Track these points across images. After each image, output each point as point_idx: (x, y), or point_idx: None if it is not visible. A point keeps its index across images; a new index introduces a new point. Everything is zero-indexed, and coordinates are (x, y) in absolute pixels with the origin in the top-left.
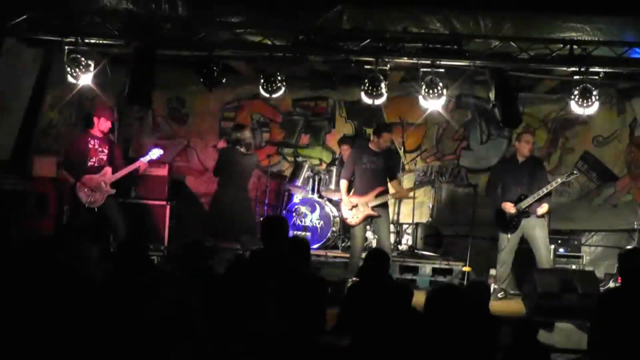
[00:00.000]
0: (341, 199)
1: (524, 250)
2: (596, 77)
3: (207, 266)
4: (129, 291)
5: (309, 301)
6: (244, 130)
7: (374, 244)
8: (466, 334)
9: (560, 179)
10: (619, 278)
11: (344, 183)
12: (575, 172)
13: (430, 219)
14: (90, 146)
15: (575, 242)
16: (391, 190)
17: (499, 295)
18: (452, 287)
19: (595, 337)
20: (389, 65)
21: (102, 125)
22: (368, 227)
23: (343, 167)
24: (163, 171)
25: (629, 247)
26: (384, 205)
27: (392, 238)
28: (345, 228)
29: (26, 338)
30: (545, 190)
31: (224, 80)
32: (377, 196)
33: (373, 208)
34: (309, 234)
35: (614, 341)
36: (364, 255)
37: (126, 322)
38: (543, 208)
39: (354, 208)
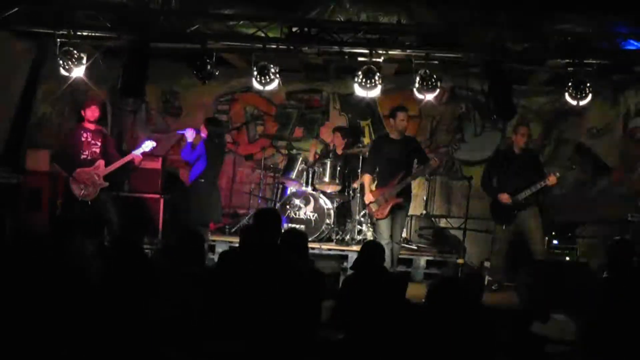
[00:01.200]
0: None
1: (519, 242)
2: (590, 69)
3: (202, 256)
4: (124, 286)
5: (306, 294)
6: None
7: (368, 237)
8: (460, 325)
9: (558, 173)
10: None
11: (366, 178)
12: (574, 166)
13: (424, 211)
14: (82, 139)
15: (570, 234)
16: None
17: (493, 287)
18: (453, 279)
19: (584, 327)
20: (382, 58)
21: (90, 115)
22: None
23: (365, 162)
24: (157, 164)
25: (616, 237)
26: (407, 193)
27: None
28: (340, 220)
29: (21, 334)
30: (543, 184)
31: (217, 73)
32: (399, 182)
33: (398, 195)
34: (303, 226)
35: (602, 331)
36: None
37: (122, 319)
38: (553, 179)
39: (378, 201)
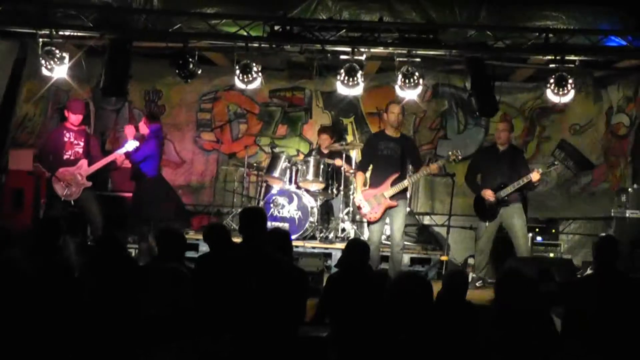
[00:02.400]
0: (353, 193)
1: (502, 239)
2: (572, 65)
3: (182, 256)
4: (108, 284)
5: (290, 292)
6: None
7: (352, 235)
8: (444, 322)
9: (541, 170)
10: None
11: (359, 175)
12: (556, 162)
13: (408, 209)
14: (65, 139)
15: (553, 231)
16: (415, 177)
17: (477, 284)
18: (413, 275)
19: (568, 324)
20: (365, 56)
21: (74, 116)
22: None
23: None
24: None
25: (602, 234)
26: (402, 194)
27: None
28: (323, 219)
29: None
30: (525, 180)
31: (199, 72)
32: (392, 184)
33: (391, 198)
34: (286, 225)
35: (586, 328)
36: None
37: (107, 317)
38: (536, 175)
39: (370, 202)
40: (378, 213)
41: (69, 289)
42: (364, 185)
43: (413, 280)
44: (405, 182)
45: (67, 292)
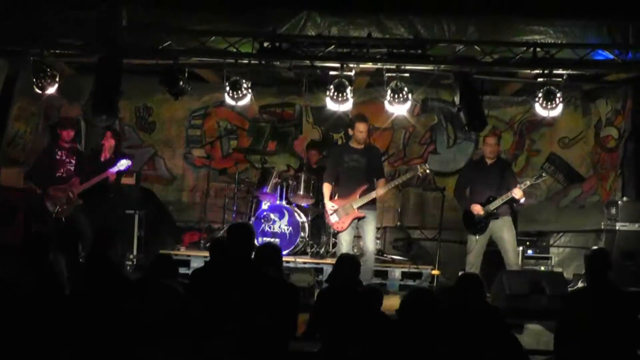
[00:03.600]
0: (323, 205)
1: (493, 252)
2: (560, 79)
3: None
4: (98, 301)
5: (281, 307)
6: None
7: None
8: (436, 337)
9: (529, 182)
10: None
11: (326, 187)
12: (543, 174)
13: (398, 223)
14: (57, 157)
15: (544, 244)
16: (380, 191)
17: None
18: (426, 291)
19: (561, 338)
20: (354, 71)
21: (65, 136)
22: (357, 229)
23: (325, 171)
24: (131, 180)
25: (594, 247)
26: (371, 205)
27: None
28: (314, 234)
29: None
30: (510, 194)
31: (189, 89)
32: (361, 195)
33: (359, 209)
34: (277, 240)
35: (579, 341)
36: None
37: (98, 332)
38: (519, 192)
39: (338, 213)
40: (345, 223)
41: (60, 305)
42: (333, 196)
43: (423, 296)
44: (373, 194)
45: (58, 308)
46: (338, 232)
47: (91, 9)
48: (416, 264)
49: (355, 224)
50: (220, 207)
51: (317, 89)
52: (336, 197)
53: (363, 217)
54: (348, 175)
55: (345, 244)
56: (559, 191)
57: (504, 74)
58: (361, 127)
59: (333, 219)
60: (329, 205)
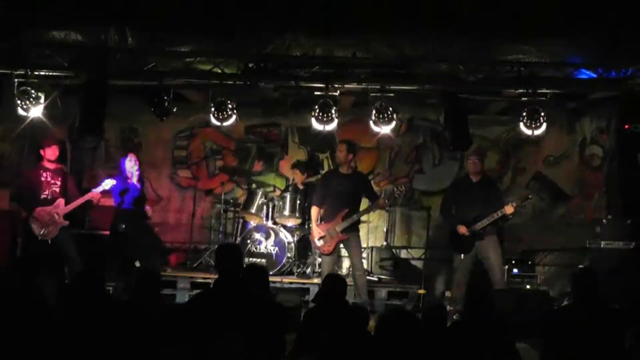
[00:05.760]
0: (309, 225)
1: (479, 271)
2: (544, 98)
3: (159, 296)
4: (86, 324)
5: (269, 328)
6: None
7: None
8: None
9: (515, 204)
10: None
11: (314, 209)
12: (530, 196)
13: (385, 243)
14: (42, 179)
15: (529, 262)
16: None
17: (455, 316)
18: (401, 311)
19: (547, 356)
20: (338, 91)
21: (50, 155)
22: (342, 251)
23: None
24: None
25: (580, 266)
26: (354, 227)
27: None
28: (301, 254)
29: None
30: (500, 214)
31: (174, 110)
32: (344, 219)
33: (342, 232)
34: (264, 260)
35: (567, 358)
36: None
37: (85, 356)
38: (510, 209)
39: (323, 237)
40: (331, 246)
41: (46, 329)
42: (319, 219)
43: (400, 317)
44: (355, 217)
45: (44, 332)
46: (323, 255)
47: (77, 31)
48: (403, 284)
49: (340, 247)
50: (207, 227)
51: (303, 109)
52: (322, 222)
53: (346, 240)
54: (332, 199)
55: (326, 265)
56: (544, 209)
57: (488, 93)
58: (341, 147)
59: (319, 242)
60: (316, 231)
